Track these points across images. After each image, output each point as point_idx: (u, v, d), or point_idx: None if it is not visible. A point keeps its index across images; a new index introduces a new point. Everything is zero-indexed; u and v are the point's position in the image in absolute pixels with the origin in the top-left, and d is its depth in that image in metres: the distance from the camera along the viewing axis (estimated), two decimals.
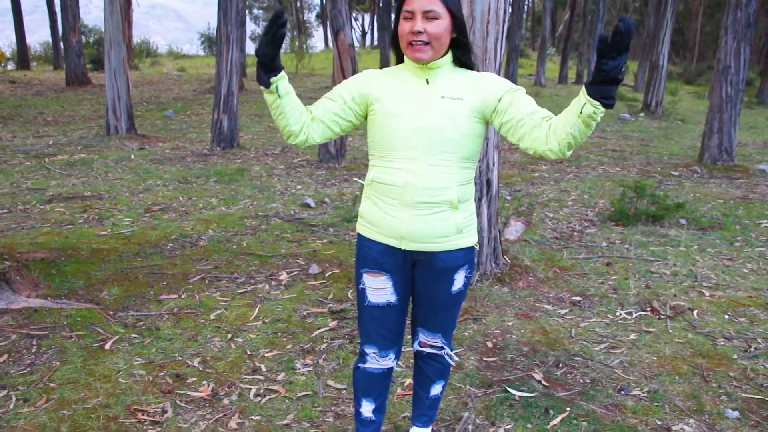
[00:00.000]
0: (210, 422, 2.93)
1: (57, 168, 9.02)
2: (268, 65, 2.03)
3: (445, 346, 2.50)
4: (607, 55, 1.79)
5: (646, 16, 26.24)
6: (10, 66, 26.62)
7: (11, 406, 3.00)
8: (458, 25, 2.15)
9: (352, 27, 9.95)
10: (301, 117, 2.18)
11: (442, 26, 2.09)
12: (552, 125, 2.05)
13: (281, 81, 2.07)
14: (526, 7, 40.98)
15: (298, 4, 45.85)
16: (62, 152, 10.28)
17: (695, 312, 4.31)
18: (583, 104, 1.91)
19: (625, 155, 11.09)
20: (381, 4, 31.71)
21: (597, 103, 1.87)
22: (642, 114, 17.32)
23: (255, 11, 48.35)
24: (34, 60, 27.98)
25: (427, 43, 2.09)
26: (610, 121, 15.84)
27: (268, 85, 2.05)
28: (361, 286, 2.34)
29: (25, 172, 8.70)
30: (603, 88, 1.85)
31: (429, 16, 2.07)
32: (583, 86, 1.91)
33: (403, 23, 2.11)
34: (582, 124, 1.94)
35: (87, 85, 19.30)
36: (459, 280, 2.33)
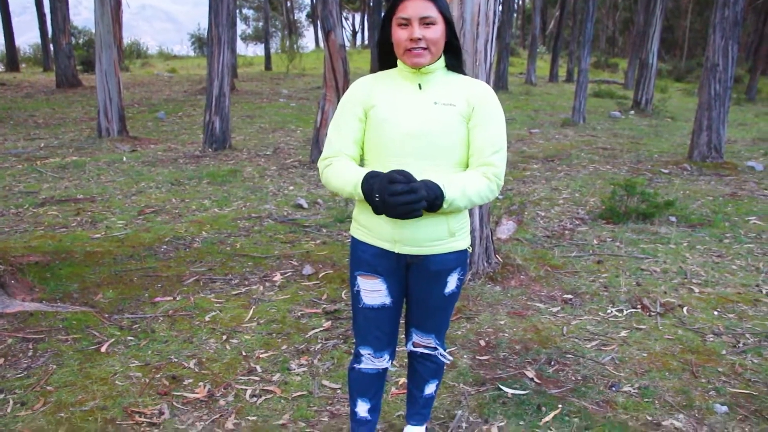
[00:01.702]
0: (207, 423, 2.96)
1: (49, 171, 9.01)
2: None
3: (438, 347, 2.53)
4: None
5: (636, 13, 26.35)
6: None
7: (8, 410, 3.02)
8: (451, 29, 2.18)
9: (342, 27, 9.98)
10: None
11: (438, 31, 2.12)
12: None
13: None
14: (516, 5, 41.07)
15: (289, 4, 45.78)
16: (54, 155, 10.27)
17: (685, 309, 4.36)
18: None
19: (615, 153, 11.16)
20: (372, 4, 31.76)
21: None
22: (632, 111, 17.42)
23: (245, 11, 48.30)
24: (23, 62, 27.87)
25: (425, 48, 2.13)
26: (600, 120, 15.93)
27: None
28: (355, 289, 2.37)
29: (17, 176, 8.69)
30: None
31: (426, 22, 2.10)
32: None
33: (399, 30, 2.13)
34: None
35: (78, 87, 19.25)
36: (452, 282, 2.36)
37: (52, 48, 21.56)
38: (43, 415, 2.99)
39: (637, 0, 28.91)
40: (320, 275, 4.93)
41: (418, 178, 2.09)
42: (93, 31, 25.91)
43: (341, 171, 2.18)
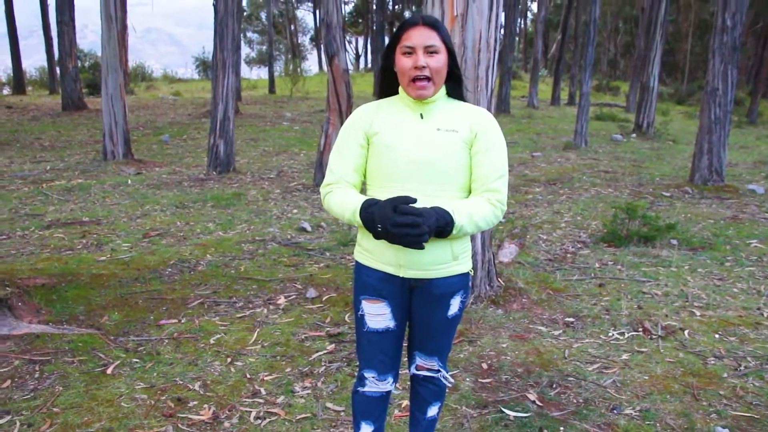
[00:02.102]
0: None
1: (55, 193, 9.08)
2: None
3: (441, 369, 2.57)
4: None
5: (637, 37, 26.56)
6: (6, 91, 26.79)
7: (15, 431, 3.06)
8: (452, 58, 2.25)
9: (346, 51, 10.10)
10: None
11: (441, 60, 2.20)
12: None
13: None
14: (518, 29, 41.43)
15: (292, 28, 46.25)
16: (60, 177, 10.36)
17: (686, 332, 4.39)
18: None
19: (617, 176, 11.22)
20: (375, 28, 32.06)
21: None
22: (634, 135, 17.52)
23: (249, 35, 48.75)
24: (29, 84, 28.14)
25: (429, 79, 2.19)
26: (602, 143, 16.02)
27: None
28: (360, 313, 2.41)
29: (23, 198, 8.77)
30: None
31: (430, 50, 2.17)
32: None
33: (404, 59, 2.20)
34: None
35: (83, 109, 19.42)
36: (455, 305, 2.41)
37: (58, 71, 21.78)
38: None
39: (638, 24, 29.16)
40: (324, 298, 4.96)
41: (422, 204, 2.15)
42: (98, 54, 26.21)
43: (341, 198, 2.24)
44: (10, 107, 19.97)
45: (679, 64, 42.07)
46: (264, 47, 46.38)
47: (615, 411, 3.32)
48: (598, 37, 40.41)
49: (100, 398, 3.39)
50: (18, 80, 25.36)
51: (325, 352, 4.01)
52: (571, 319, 4.60)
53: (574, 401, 3.43)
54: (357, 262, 2.41)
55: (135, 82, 29.99)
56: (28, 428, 3.09)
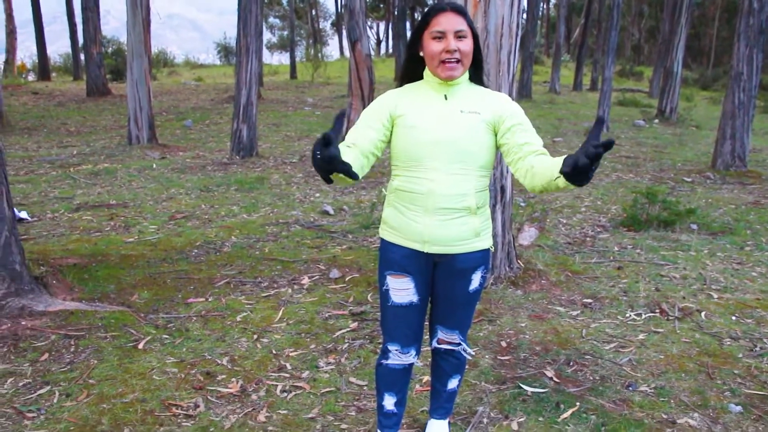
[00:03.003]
0: (240, 416, 3.12)
1: (82, 177, 9.28)
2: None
3: (462, 342, 2.68)
4: (590, 167, 1.81)
5: (662, 22, 26.28)
6: (31, 77, 27.15)
7: (55, 400, 3.21)
8: (476, 43, 2.35)
9: (367, 37, 10.16)
10: (357, 165, 2.20)
11: (469, 44, 2.30)
12: (534, 167, 2.16)
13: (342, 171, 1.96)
14: (540, 14, 41.09)
15: (314, 13, 46.26)
16: (86, 162, 10.57)
17: (703, 313, 4.45)
18: (557, 177, 2.00)
19: (638, 162, 11.21)
20: (396, 13, 31.99)
21: (570, 184, 1.96)
22: (656, 120, 17.41)
23: (271, 20, 48.82)
24: (53, 71, 28.48)
25: (459, 61, 2.28)
26: (624, 128, 15.95)
27: (330, 181, 1.99)
28: (384, 288, 2.52)
29: (51, 182, 8.97)
30: (577, 180, 1.88)
31: (459, 35, 2.27)
32: (562, 162, 1.92)
33: (434, 43, 2.29)
34: (555, 188, 2.07)
35: (107, 95, 19.69)
36: (476, 279, 2.51)
37: (82, 57, 22.03)
38: (86, 405, 3.17)
39: (663, 8, 28.82)
40: (347, 279, 5.08)
41: (448, 181, 2.29)
42: (121, 40, 26.45)
43: None
44: (36, 93, 20.28)
45: (705, 48, 41.56)
46: (285, 33, 46.44)
47: (630, 388, 3.40)
48: (622, 22, 39.97)
49: (132, 371, 3.54)
50: (43, 67, 25.70)
51: (348, 329, 4.13)
52: (589, 300, 4.68)
53: (591, 378, 3.51)
54: (382, 239, 2.51)
55: (157, 68, 30.22)
56: (67, 398, 3.24)
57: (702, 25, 40.67)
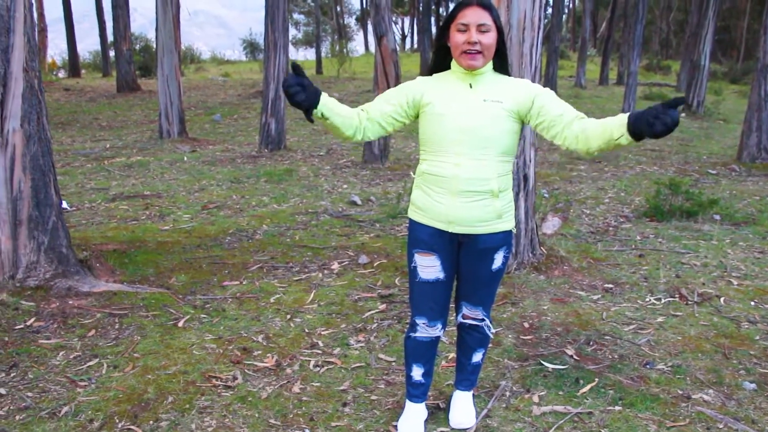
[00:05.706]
0: (276, 387, 3.32)
1: (116, 169, 9.58)
2: (307, 109, 2.31)
3: (485, 318, 2.84)
4: (665, 132, 2.05)
5: (690, 14, 26.07)
6: (62, 74, 27.68)
7: (104, 371, 3.44)
8: (501, 37, 2.51)
9: (393, 32, 10.31)
10: (352, 123, 2.49)
11: (492, 38, 2.46)
12: (585, 131, 2.35)
13: (322, 109, 2.35)
14: (566, 8, 40.92)
15: (339, 9, 46.45)
16: (119, 155, 10.88)
17: (722, 299, 4.56)
18: (621, 135, 2.20)
19: (663, 155, 11.25)
20: (421, 8, 32.07)
21: (633, 140, 2.18)
22: (683, 114, 17.33)
23: (296, 16, 49.08)
24: (83, 68, 29.00)
25: (480, 52, 2.45)
26: None
27: (312, 120, 2.34)
28: (412, 265, 2.70)
29: (87, 174, 9.28)
30: (645, 136, 2.13)
31: (482, 29, 2.44)
32: (627, 121, 2.17)
33: (458, 35, 2.46)
34: (614, 147, 2.27)
35: (137, 91, 20.08)
36: (498, 259, 2.68)
37: (111, 54, 22.42)
38: (133, 376, 3.39)
39: (691, 0, 28.56)
40: (375, 264, 5.27)
41: (471, 165, 2.46)
42: (149, 37, 26.85)
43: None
44: (67, 89, 20.74)
45: (735, 42, 41.02)
46: (310, 28, 46.72)
47: (648, 366, 3.54)
48: (650, 15, 39.67)
49: (174, 346, 3.75)
50: (73, 64, 26.18)
51: (377, 311, 4.32)
52: (610, 285, 4.81)
53: (610, 357, 3.66)
54: (411, 220, 2.69)
55: (184, 64, 30.56)
56: (114, 369, 3.47)
57: (732, 17, 40.13)
